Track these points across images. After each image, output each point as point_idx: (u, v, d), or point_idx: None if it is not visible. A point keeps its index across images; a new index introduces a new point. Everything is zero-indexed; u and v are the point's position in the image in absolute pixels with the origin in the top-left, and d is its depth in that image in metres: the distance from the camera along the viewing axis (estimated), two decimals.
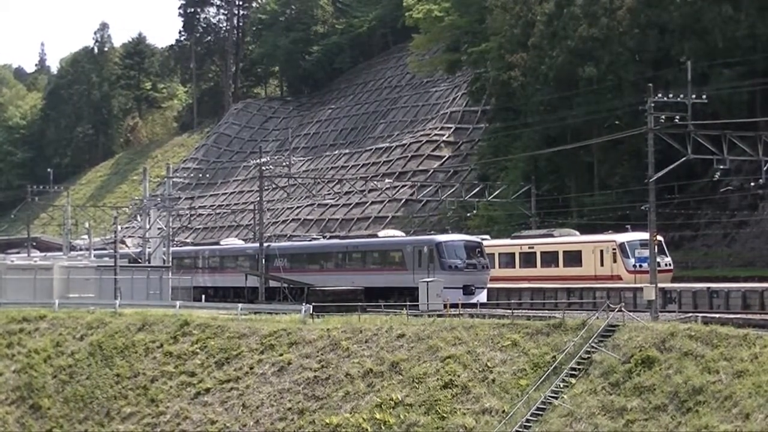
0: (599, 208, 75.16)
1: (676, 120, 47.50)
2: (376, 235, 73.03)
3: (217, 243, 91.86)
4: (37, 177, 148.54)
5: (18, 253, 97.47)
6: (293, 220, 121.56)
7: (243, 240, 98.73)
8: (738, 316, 45.34)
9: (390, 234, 73.55)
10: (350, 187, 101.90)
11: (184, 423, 48.95)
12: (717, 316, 44.75)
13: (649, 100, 47.05)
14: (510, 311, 50.71)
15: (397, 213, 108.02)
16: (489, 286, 63.08)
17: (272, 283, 70.25)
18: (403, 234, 75.14)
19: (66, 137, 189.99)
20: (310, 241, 79.97)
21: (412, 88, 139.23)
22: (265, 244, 74.01)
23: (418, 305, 55.53)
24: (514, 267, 70.12)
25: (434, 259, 61.28)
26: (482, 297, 60.29)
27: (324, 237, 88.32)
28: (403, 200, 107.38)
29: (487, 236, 76.71)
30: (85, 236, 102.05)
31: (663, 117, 47.41)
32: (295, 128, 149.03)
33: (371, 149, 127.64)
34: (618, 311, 43.05)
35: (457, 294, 57.81)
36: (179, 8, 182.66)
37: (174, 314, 57.35)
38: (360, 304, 55.01)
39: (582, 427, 37.16)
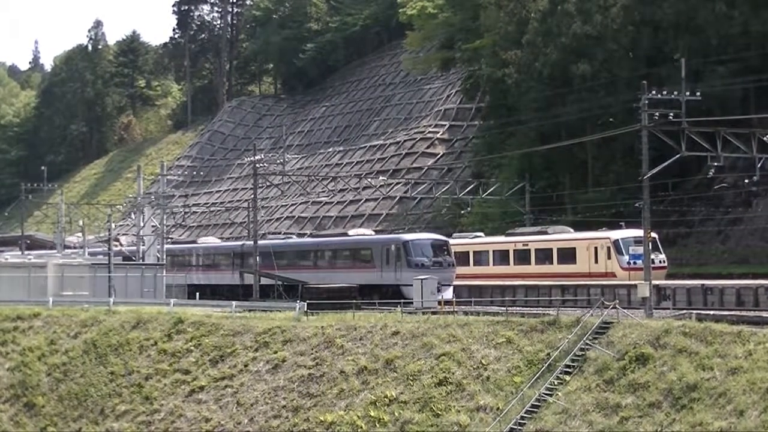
0: (593, 205, 75.12)
1: (670, 117, 47.48)
2: (346, 234, 74.47)
3: (194, 242, 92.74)
4: (30, 175, 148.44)
5: (12, 251, 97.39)
6: (287, 217, 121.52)
7: (219, 239, 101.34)
8: (732, 313, 45.43)
9: (360, 233, 75.31)
10: (344, 185, 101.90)
11: (178, 421, 48.92)
12: (711, 313, 44.79)
13: (643, 97, 47.08)
14: (504, 308, 50.83)
15: (391, 210, 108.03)
16: (483, 283, 63.47)
17: (247, 280, 71.62)
18: (373, 233, 77.39)
19: (60, 135, 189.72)
20: (284, 239, 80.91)
21: (406, 85, 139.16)
22: (239, 243, 79.02)
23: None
24: (508, 264, 70.19)
25: (401, 258, 62.61)
26: (448, 294, 60.84)
27: (298, 236, 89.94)
28: (397, 198, 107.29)
29: (481, 233, 76.85)
30: (79, 234, 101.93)
31: (657, 114, 47.40)
32: (289, 126, 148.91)
33: (365, 147, 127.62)
34: (612, 308, 43.07)
35: None
36: (173, 6, 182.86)
37: (168, 312, 57.36)
38: (354, 301, 55.25)
39: (576, 424, 37.19)
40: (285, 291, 67.40)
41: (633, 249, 62.07)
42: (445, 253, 64.41)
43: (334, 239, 72.57)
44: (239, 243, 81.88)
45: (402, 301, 55.96)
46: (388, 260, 63.45)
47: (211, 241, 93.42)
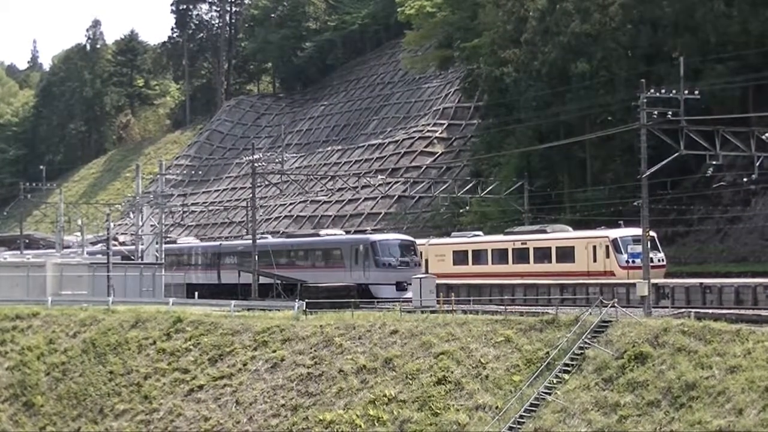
0: (592, 203, 75.09)
1: (669, 116, 47.49)
2: (318, 234, 76.58)
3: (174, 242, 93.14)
4: (29, 174, 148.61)
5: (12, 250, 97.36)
6: (286, 216, 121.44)
7: (198, 239, 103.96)
8: (731, 311, 45.41)
9: (330, 233, 78.09)
10: (343, 184, 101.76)
11: (177, 420, 48.93)
12: (710, 311, 44.77)
13: (641, 95, 47.06)
14: (503, 307, 50.83)
15: (389, 209, 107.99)
16: (483, 282, 63.56)
17: (224, 279, 75.24)
18: (343, 233, 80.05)
19: (58, 134, 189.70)
20: (258, 239, 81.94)
21: (404, 84, 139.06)
22: (216, 243, 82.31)
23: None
24: (507, 263, 70.13)
25: (369, 257, 64.99)
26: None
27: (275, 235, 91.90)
28: (396, 196, 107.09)
29: (480, 232, 76.83)
30: (78, 233, 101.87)
31: (656, 112, 47.40)
32: (287, 125, 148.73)
33: (364, 146, 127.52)
34: (611, 307, 43.07)
35: (390, 290, 62.04)
36: (171, 5, 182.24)
37: (167, 311, 57.35)
38: (354, 300, 55.42)
39: (575, 422, 37.19)
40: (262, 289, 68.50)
41: (632, 248, 61.97)
42: (412, 253, 67.02)
43: (306, 239, 74.94)
44: (217, 243, 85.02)
45: (401, 299, 56.34)
46: (356, 260, 65.78)
47: (187, 240, 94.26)
